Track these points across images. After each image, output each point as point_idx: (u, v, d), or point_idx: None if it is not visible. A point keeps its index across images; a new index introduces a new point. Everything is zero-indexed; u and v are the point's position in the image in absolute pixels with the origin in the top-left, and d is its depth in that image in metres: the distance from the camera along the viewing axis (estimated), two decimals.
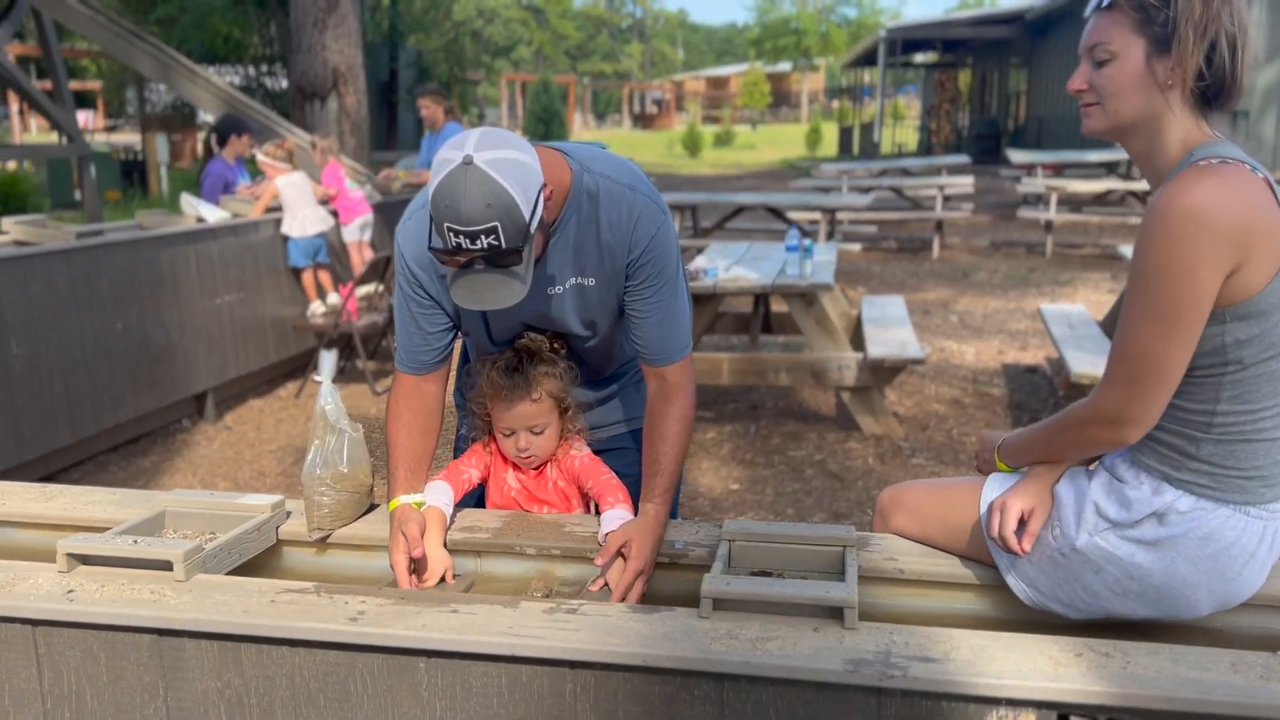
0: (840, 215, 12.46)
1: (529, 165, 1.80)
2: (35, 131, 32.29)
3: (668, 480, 2.06)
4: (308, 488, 2.15)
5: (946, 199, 13.28)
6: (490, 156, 1.74)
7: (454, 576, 2.02)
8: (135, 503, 2.33)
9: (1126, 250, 6.35)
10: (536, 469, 2.23)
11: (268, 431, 5.73)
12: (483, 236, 1.74)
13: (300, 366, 6.85)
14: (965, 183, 12.92)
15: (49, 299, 4.72)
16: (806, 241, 5.33)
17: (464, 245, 1.76)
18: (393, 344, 6.25)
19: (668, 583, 2.04)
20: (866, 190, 13.29)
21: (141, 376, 5.31)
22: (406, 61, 20.91)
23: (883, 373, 5.24)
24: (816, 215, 11.03)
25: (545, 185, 1.84)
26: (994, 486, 1.97)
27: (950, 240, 13.21)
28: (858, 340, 5.96)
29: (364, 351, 6.44)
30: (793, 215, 11.30)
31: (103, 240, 5.15)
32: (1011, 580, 1.87)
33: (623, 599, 1.91)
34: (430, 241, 1.86)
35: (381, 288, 6.53)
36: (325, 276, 6.67)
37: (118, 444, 5.38)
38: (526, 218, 1.77)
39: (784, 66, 60.35)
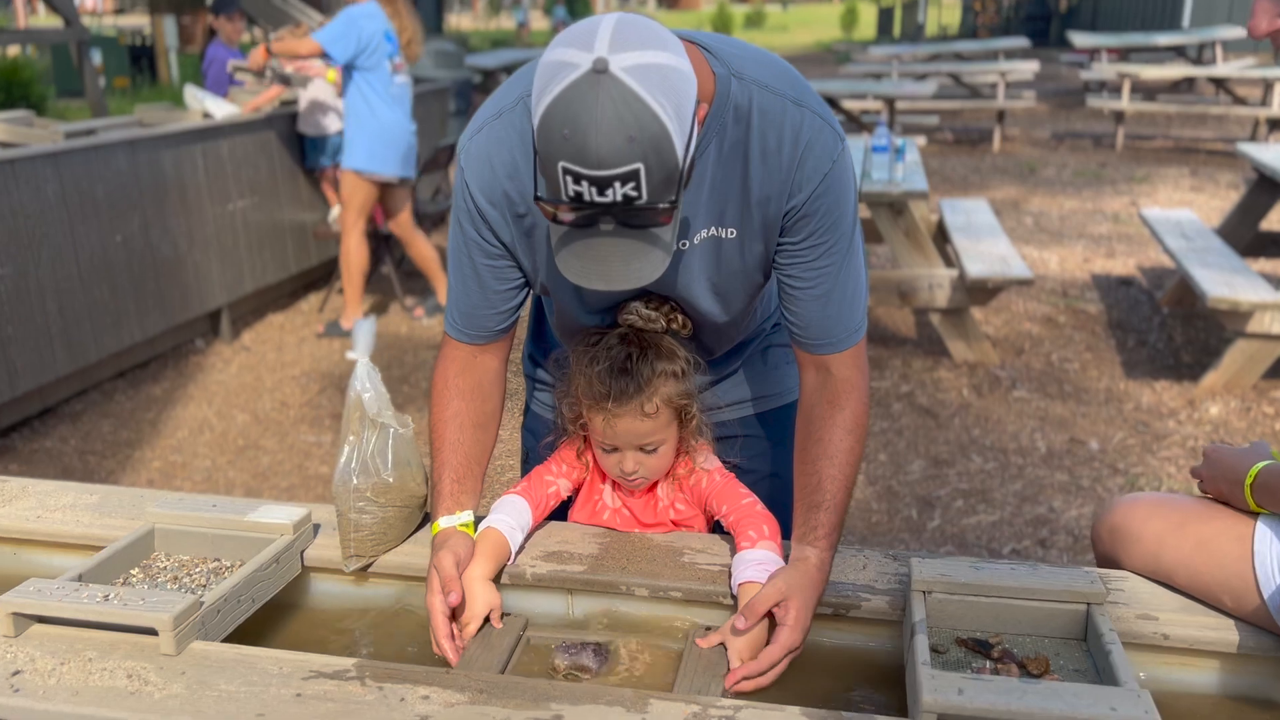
0: (899, 105, 11.58)
1: (683, 75, 1.19)
2: (43, 15, 31.18)
3: (834, 516, 1.49)
4: (341, 501, 1.60)
5: (1008, 86, 12.36)
6: (633, 61, 1.14)
7: (501, 619, 1.50)
8: (119, 506, 1.79)
9: (1246, 149, 5.63)
10: (644, 490, 1.67)
11: (289, 353, 5.20)
12: (618, 184, 1.15)
13: (324, 276, 6.29)
14: (1027, 68, 11.99)
15: (37, 209, 4.14)
16: (899, 141, 4.64)
17: (589, 196, 1.17)
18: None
19: (825, 639, 1.50)
20: (921, 77, 12.36)
21: (147, 294, 4.76)
22: None
23: (981, 293, 4.62)
24: (874, 105, 10.21)
25: (699, 103, 1.23)
26: (1271, 539, 1.41)
27: (1010, 132, 12.33)
28: (939, 252, 5.31)
29: (392, 259, 5.85)
30: (846, 105, 10.46)
31: (96, 141, 4.54)
32: None
33: (756, 679, 1.38)
34: (535, 185, 1.26)
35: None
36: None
37: (124, 370, 4.86)
38: (680, 157, 1.18)
39: None
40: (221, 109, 5.43)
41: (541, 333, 1.89)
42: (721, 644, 1.42)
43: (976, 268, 4.54)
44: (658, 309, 1.56)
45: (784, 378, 1.82)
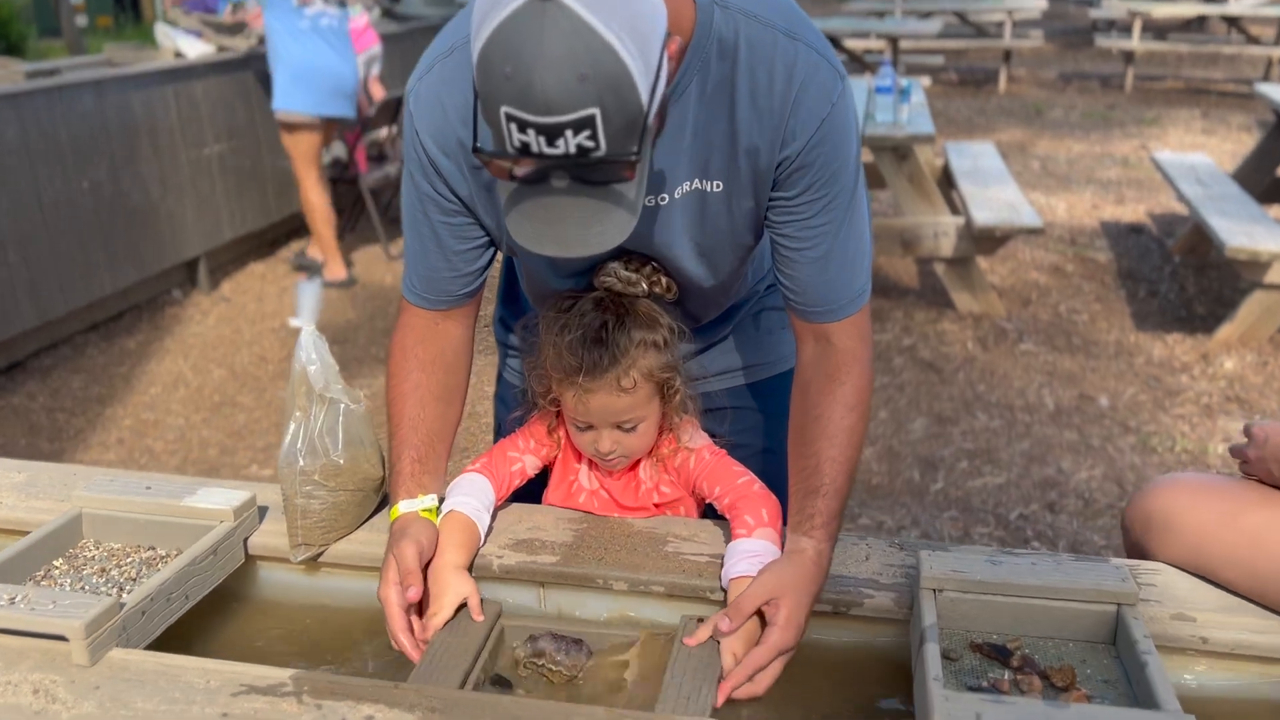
0: (903, 44, 11.26)
1: (647, 0, 1.01)
2: None
3: (834, 503, 1.33)
4: (287, 485, 1.44)
5: (1015, 24, 12.02)
6: None
7: (480, 610, 1.34)
8: (49, 486, 1.63)
9: (1265, 90, 5.40)
10: (624, 470, 1.50)
11: (270, 303, 5.02)
12: (570, 133, 0.98)
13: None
14: (1035, 6, 11.63)
15: None
16: (904, 81, 4.42)
17: (537, 147, 1.00)
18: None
19: (826, 637, 1.34)
20: (926, 14, 12.01)
21: (118, 243, 4.56)
22: None
23: (988, 242, 4.43)
24: (876, 44, 9.91)
25: (670, 36, 1.05)
26: None
27: (1016, 72, 12.01)
28: (944, 198, 5.11)
29: (376, 208, 5.65)
30: (849, 44, 10.15)
31: (60, 81, 4.32)
32: None
33: (747, 686, 1.24)
34: (474, 135, 1.09)
35: (396, 131, 5.68)
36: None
37: (97, 322, 4.68)
38: (644, 100, 1.00)
39: None
40: (195, 48, 5.19)
41: (514, 294, 1.72)
42: (714, 640, 1.27)
43: (984, 215, 4.35)
44: (638, 270, 1.38)
45: (778, 344, 1.66)
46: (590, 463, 1.51)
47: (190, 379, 4.22)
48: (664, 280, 1.40)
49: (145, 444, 3.68)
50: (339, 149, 5.63)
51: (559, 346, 1.35)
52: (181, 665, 1.20)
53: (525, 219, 1.09)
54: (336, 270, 5.19)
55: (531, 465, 1.52)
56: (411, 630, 1.30)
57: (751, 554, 1.33)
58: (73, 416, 3.90)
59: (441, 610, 1.31)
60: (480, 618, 1.32)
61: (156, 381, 4.20)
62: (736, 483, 1.43)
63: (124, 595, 1.33)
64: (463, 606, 1.33)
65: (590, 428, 1.40)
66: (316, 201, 5.05)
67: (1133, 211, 6.38)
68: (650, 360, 1.36)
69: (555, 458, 1.54)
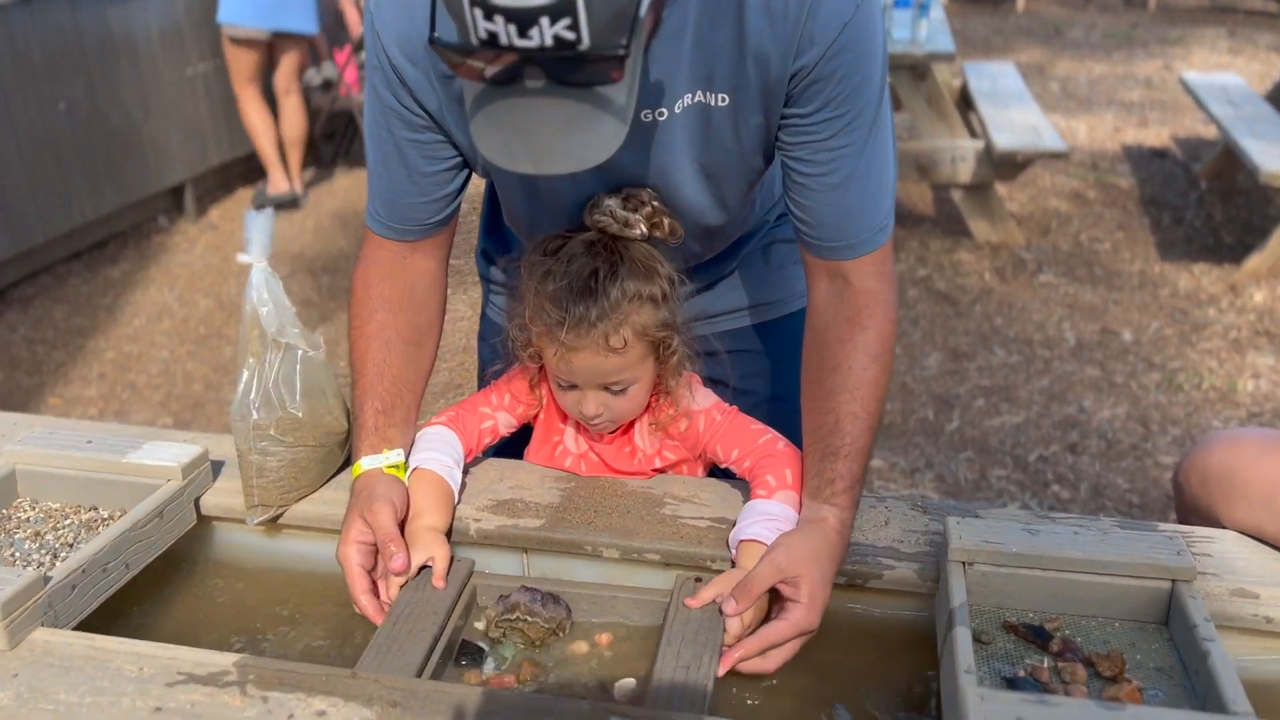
0: None
1: None
2: None
3: (857, 465, 1.18)
4: (241, 440, 1.30)
5: None
6: None
7: (445, 576, 1.19)
8: None
9: None
10: (614, 434, 1.35)
11: None
12: (546, 21, 0.82)
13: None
14: None
15: None
16: None
17: (506, 38, 0.83)
18: None
19: (839, 607, 1.20)
20: None
21: (98, 168, 4.37)
22: None
23: (1008, 167, 4.22)
24: None
25: None
26: None
27: None
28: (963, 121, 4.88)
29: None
30: None
31: None
32: None
33: (756, 660, 1.10)
34: (432, 24, 0.91)
35: None
36: (319, 39, 5.55)
37: (79, 250, 4.51)
38: None
39: None
40: None
41: (498, 223, 1.55)
42: (716, 603, 1.13)
43: (1005, 139, 4.13)
44: (637, 209, 1.21)
45: (790, 280, 1.50)
46: (578, 424, 1.35)
47: (176, 310, 4.06)
48: (666, 222, 1.22)
49: (128, 379, 3.54)
50: (329, 69, 5.39)
51: (541, 296, 1.19)
52: (112, 649, 1.06)
53: (493, 127, 0.93)
54: (279, 183, 4.99)
55: (505, 424, 1.36)
56: (375, 593, 1.17)
57: (768, 516, 1.19)
58: (53, 349, 3.76)
59: (410, 570, 1.17)
60: (441, 584, 1.17)
61: (141, 312, 4.05)
62: (757, 443, 1.28)
63: (57, 564, 1.19)
64: (425, 567, 1.19)
65: (574, 387, 1.24)
66: (256, 121, 4.84)
67: (1156, 135, 6.13)
68: (644, 316, 1.20)
69: (536, 416, 1.38)
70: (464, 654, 1.13)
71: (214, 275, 4.38)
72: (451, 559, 1.21)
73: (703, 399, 1.32)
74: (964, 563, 1.14)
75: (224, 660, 1.04)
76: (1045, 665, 1.06)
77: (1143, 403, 3.22)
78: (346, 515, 1.21)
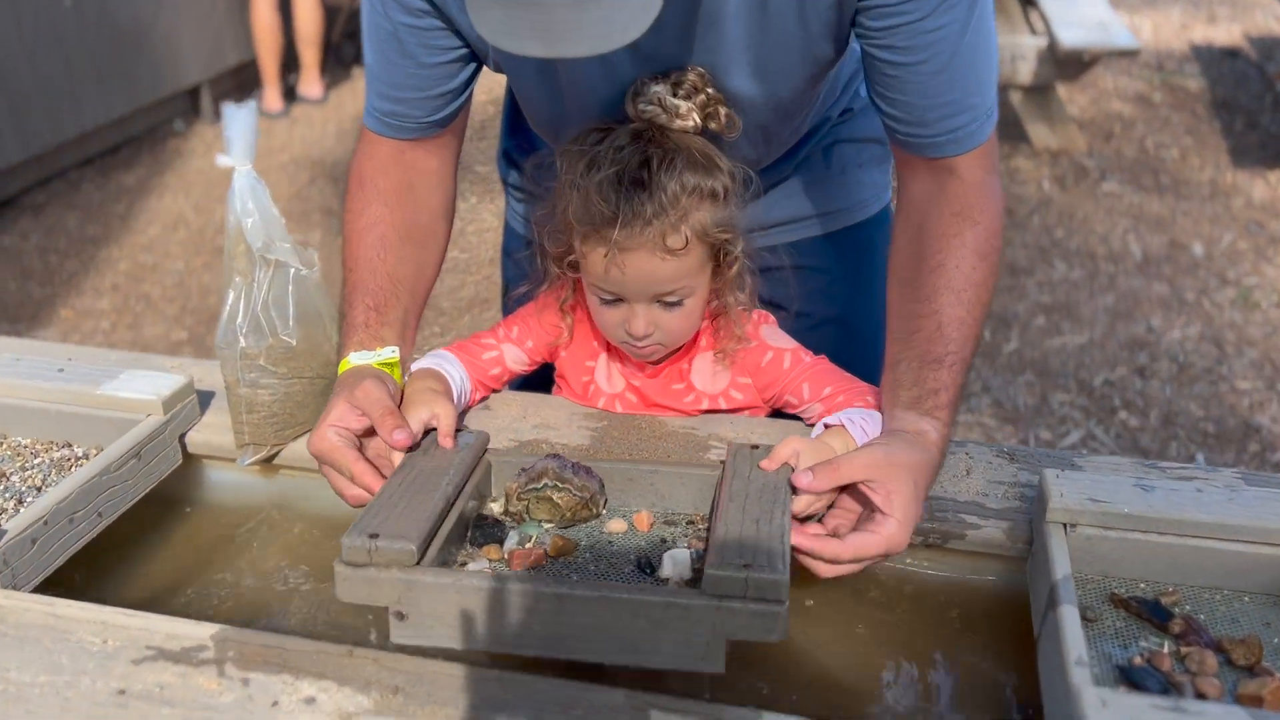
0: None
1: None
2: None
3: (960, 376, 1.03)
4: (228, 371, 1.14)
5: None
6: None
7: (453, 435, 1.02)
8: None
9: None
10: (660, 361, 1.17)
11: (279, 136, 4.65)
12: None
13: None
14: None
15: None
16: None
17: None
18: None
19: (916, 571, 1.04)
20: None
21: (109, 69, 4.17)
22: None
23: (1073, 66, 3.93)
24: None
25: None
26: None
27: None
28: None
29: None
30: None
31: None
32: None
33: (835, 565, 0.93)
34: None
35: None
36: None
37: (92, 156, 4.34)
38: None
39: None
40: None
41: (520, 123, 1.36)
42: (789, 465, 0.97)
43: (1070, 35, 3.83)
44: (690, 96, 1.02)
45: (854, 186, 1.32)
46: (613, 355, 1.18)
47: (191, 219, 3.90)
48: (723, 112, 1.04)
49: (141, 290, 3.40)
50: None
51: (586, 189, 1.01)
52: (74, 616, 0.92)
53: (491, 7, 0.74)
54: (272, 101, 4.78)
55: (514, 359, 1.19)
56: (369, 464, 0.99)
57: (859, 420, 1.04)
58: (66, 258, 3.62)
59: (412, 435, 0.99)
60: (450, 443, 1.01)
61: (156, 221, 3.89)
62: (853, 383, 1.13)
63: (23, 510, 1.05)
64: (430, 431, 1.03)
65: (619, 301, 1.06)
66: (265, 20, 4.61)
67: (1227, 33, 5.74)
68: (705, 214, 1.02)
69: (558, 349, 1.20)
70: (479, 530, 0.97)
71: (230, 182, 4.19)
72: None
73: (779, 339, 1.16)
74: (1065, 524, 0.97)
75: (200, 633, 0.90)
76: (1165, 650, 0.89)
77: (1216, 322, 3.00)
78: (324, 415, 1.01)
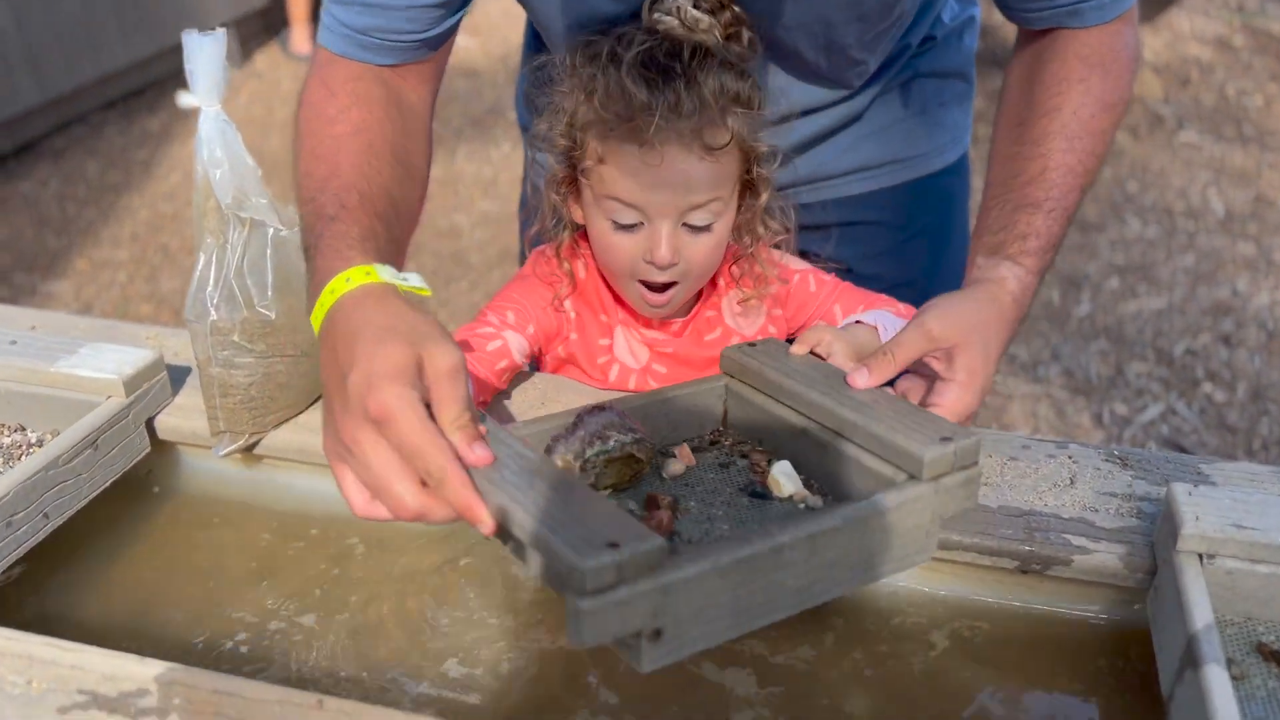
0: None
1: None
2: None
3: (1057, 226, 0.91)
4: (199, 348, 0.98)
5: None
6: None
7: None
8: None
9: None
10: (687, 317, 1.01)
11: (301, 83, 4.47)
12: None
13: None
14: None
15: None
16: None
17: None
18: None
19: (1005, 602, 0.86)
20: None
21: (128, 9, 4.02)
22: None
23: (1148, 5, 3.65)
24: None
25: None
26: None
27: None
28: None
29: None
30: None
31: None
32: None
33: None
34: None
35: None
36: None
37: (113, 99, 4.20)
38: None
39: None
40: None
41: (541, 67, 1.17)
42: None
43: None
44: (713, 11, 0.88)
45: (934, 129, 1.17)
46: (629, 325, 1.01)
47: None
48: (745, 34, 0.90)
49: (160, 241, 3.27)
50: None
51: (609, 79, 0.86)
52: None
53: None
54: (300, 42, 4.60)
55: (519, 348, 0.98)
56: (472, 485, 0.65)
57: (891, 328, 0.95)
58: (85, 206, 3.49)
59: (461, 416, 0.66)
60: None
61: (178, 168, 3.75)
62: (880, 299, 1.05)
63: None
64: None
65: (638, 226, 0.91)
66: None
67: None
68: (740, 119, 0.89)
69: (559, 336, 1.02)
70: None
71: (256, 127, 4.05)
72: None
73: (797, 261, 1.06)
74: (1201, 554, 0.79)
75: (144, 672, 0.74)
76: None
77: None
78: (364, 343, 0.67)
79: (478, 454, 0.65)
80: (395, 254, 0.82)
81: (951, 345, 0.82)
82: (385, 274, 0.73)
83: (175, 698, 0.72)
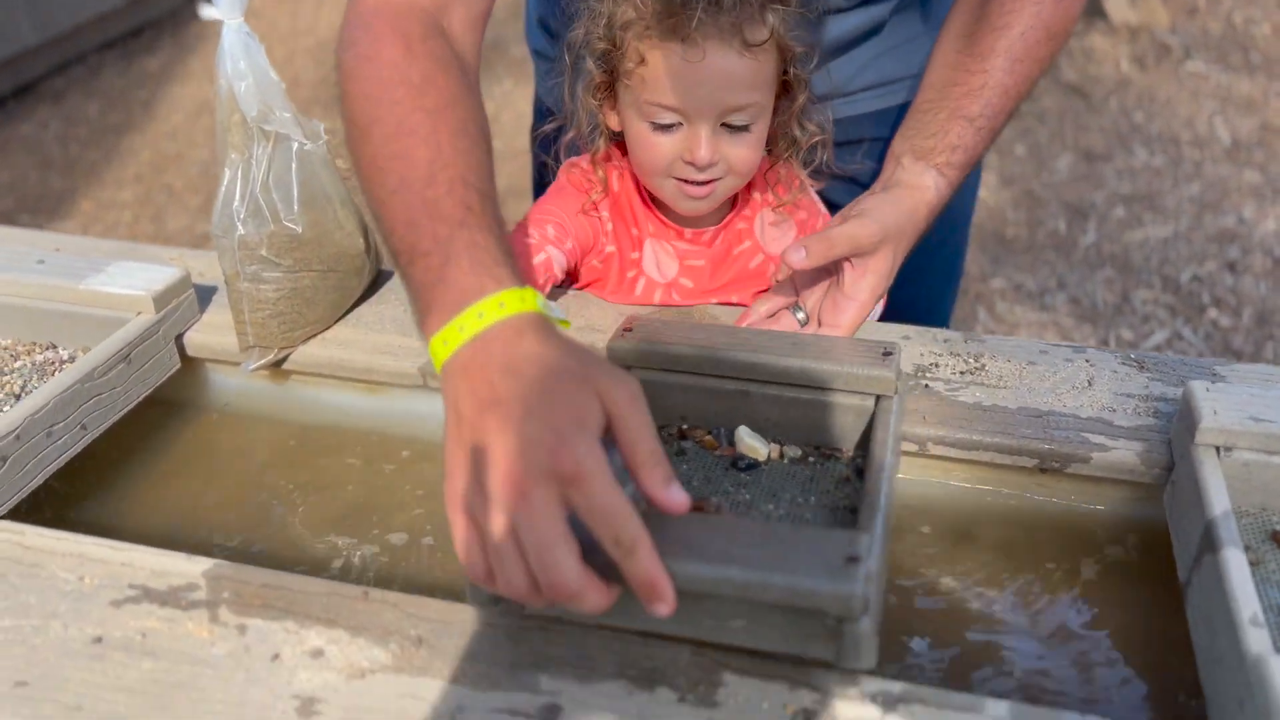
0: None
1: None
2: None
3: (983, 140, 0.96)
4: (226, 263, 0.99)
5: None
6: None
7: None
8: None
9: None
10: (719, 226, 1.02)
11: (305, 18, 4.42)
12: None
13: None
14: None
15: None
16: None
17: None
18: None
19: (1027, 498, 0.89)
20: None
21: None
22: None
23: None
24: None
25: None
26: None
27: None
28: None
29: None
30: None
31: None
32: None
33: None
34: None
35: None
36: None
37: (112, 39, 4.16)
38: None
39: None
40: None
41: None
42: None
43: None
44: None
45: None
46: (659, 236, 1.02)
47: (215, 106, 3.73)
48: None
49: (164, 181, 3.26)
50: None
51: None
52: (48, 548, 0.79)
53: None
54: None
55: (559, 264, 0.98)
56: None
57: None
58: (87, 148, 3.47)
59: (658, 451, 0.61)
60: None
61: (179, 108, 3.73)
62: None
63: None
64: None
65: (676, 127, 0.92)
66: None
67: None
68: (779, 15, 0.90)
69: (594, 248, 1.03)
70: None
71: (280, 40, 4.00)
72: None
73: (810, 195, 1.07)
74: (1219, 447, 0.81)
75: (192, 569, 0.76)
76: None
77: None
78: (536, 385, 0.60)
79: (675, 498, 0.57)
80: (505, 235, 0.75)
81: (871, 254, 0.90)
82: (540, 303, 0.67)
83: (224, 591, 0.75)
